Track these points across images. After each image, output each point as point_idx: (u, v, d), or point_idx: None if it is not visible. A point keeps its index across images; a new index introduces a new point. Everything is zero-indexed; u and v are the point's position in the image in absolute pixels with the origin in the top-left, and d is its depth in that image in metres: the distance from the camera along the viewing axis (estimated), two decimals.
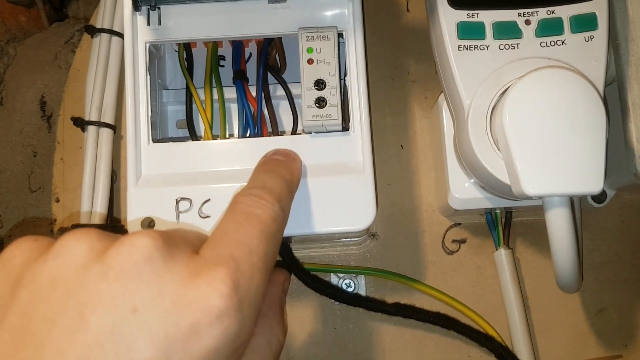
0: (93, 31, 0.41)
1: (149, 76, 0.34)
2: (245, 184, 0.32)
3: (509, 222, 0.39)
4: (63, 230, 0.40)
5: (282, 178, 0.27)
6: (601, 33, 0.32)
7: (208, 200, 0.33)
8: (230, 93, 0.38)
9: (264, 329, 0.24)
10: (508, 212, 0.39)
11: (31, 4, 0.57)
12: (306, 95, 0.33)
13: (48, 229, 0.45)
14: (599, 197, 0.39)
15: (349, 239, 0.40)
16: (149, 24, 0.35)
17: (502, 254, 0.38)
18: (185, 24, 0.35)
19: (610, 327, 0.40)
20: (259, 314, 0.20)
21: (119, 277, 0.17)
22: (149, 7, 0.34)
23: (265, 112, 0.39)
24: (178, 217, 0.32)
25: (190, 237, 0.21)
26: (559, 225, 0.29)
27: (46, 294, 0.17)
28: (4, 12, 0.53)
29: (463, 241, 0.40)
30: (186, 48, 0.39)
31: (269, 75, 0.39)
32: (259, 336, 0.23)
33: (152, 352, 0.16)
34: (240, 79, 0.38)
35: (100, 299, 0.17)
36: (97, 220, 0.39)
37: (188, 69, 0.39)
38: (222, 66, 0.41)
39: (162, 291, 0.17)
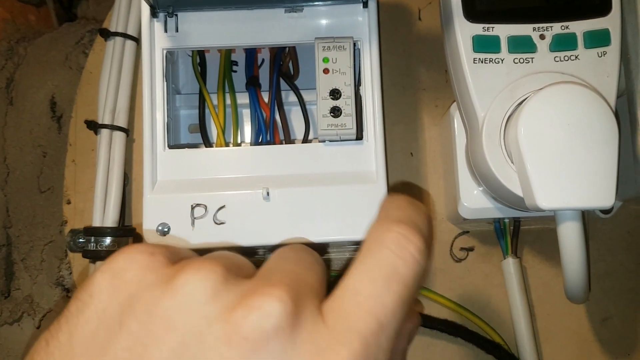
0: (107, 35, 0.41)
1: (165, 82, 0.35)
2: (260, 191, 0.33)
3: (517, 231, 0.39)
4: (75, 232, 0.40)
5: (426, 217, 0.21)
6: (614, 49, 0.32)
7: (223, 206, 0.33)
8: (242, 98, 0.39)
9: None
10: (516, 221, 0.39)
11: (40, 3, 0.57)
12: (321, 104, 0.33)
13: (58, 229, 0.45)
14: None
15: (358, 245, 0.40)
16: (166, 30, 0.35)
17: (510, 263, 0.39)
18: (202, 31, 0.35)
19: (615, 336, 0.40)
20: None
21: (243, 345, 0.15)
22: (166, 14, 0.35)
23: (277, 118, 0.39)
24: (193, 223, 0.33)
25: (311, 281, 0.18)
26: (570, 239, 0.29)
27: (159, 337, 0.16)
28: (13, 11, 0.53)
29: (471, 249, 0.41)
30: (199, 53, 0.39)
31: (281, 81, 0.40)
32: None
33: None
34: (253, 85, 0.39)
35: None
36: (109, 222, 0.39)
37: (201, 74, 0.39)
38: (235, 71, 0.41)
39: None
